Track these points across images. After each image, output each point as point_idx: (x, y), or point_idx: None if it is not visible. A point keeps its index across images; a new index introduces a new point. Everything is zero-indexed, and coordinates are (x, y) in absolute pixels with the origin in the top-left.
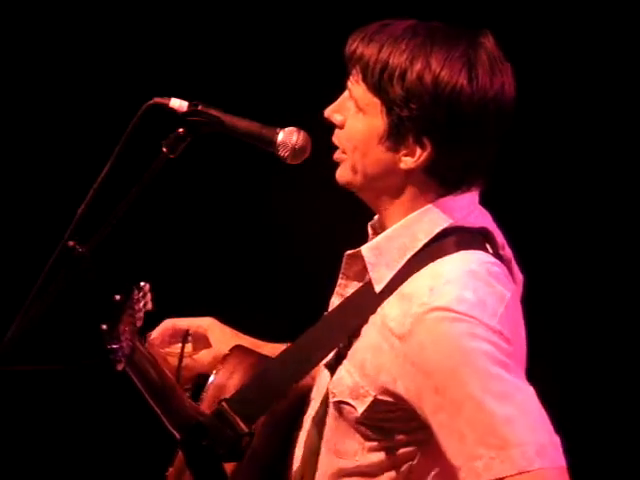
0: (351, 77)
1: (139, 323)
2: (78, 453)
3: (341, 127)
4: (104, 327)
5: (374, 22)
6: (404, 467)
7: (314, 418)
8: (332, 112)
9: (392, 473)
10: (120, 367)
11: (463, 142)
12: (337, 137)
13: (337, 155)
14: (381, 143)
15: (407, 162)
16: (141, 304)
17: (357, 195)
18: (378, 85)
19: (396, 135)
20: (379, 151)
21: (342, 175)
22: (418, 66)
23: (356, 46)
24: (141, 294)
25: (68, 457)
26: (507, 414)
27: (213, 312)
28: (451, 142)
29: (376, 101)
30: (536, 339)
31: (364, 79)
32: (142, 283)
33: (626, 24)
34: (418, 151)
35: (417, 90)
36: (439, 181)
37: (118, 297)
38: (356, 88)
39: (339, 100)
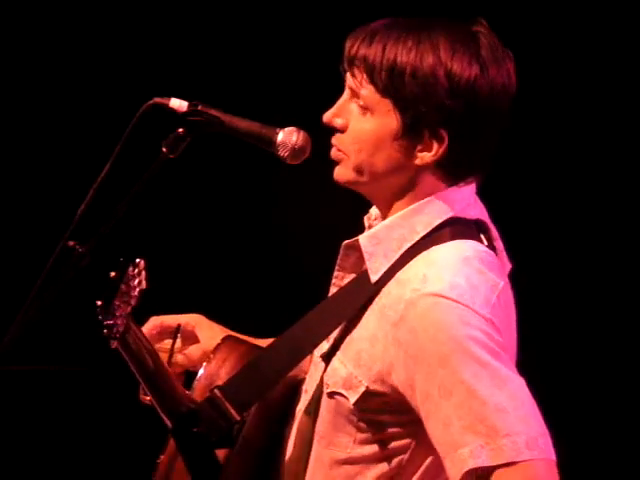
0: (353, 80)
1: (134, 302)
2: (78, 453)
3: (343, 130)
4: (99, 302)
5: (368, 23)
6: (396, 460)
7: (307, 409)
8: (333, 116)
9: (384, 465)
10: (114, 345)
11: (477, 133)
12: (339, 141)
13: (335, 153)
14: (395, 142)
15: (424, 157)
16: (136, 281)
17: (357, 191)
18: (389, 85)
19: (412, 132)
20: (392, 150)
21: (343, 174)
22: (429, 61)
23: (357, 48)
24: (136, 271)
25: (68, 457)
26: (498, 402)
27: (207, 310)
28: (466, 133)
29: (386, 101)
30: (527, 332)
31: (372, 81)
32: (137, 260)
33: (621, 19)
34: (435, 145)
35: (432, 85)
36: (448, 174)
37: (113, 274)
38: (362, 90)
39: (338, 104)
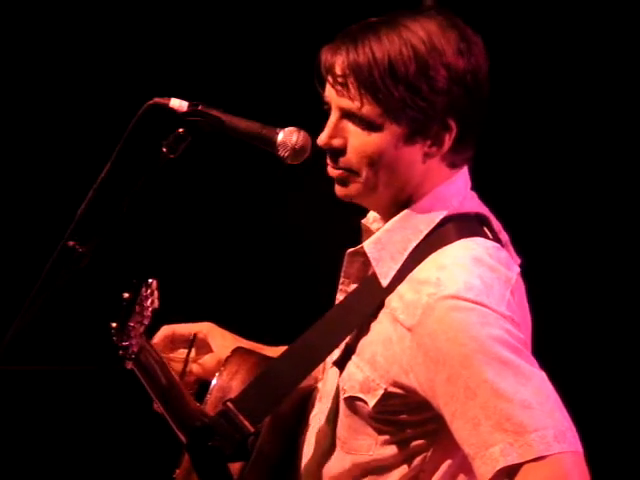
0: (346, 98)
1: (147, 322)
2: (81, 454)
3: (343, 150)
4: (114, 325)
5: (339, 34)
6: (417, 460)
7: (326, 416)
8: (329, 138)
9: (405, 466)
10: (129, 365)
11: (475, 114)
12: (341, 161)
13: (344, 175)
14: (404, 145)
15: (436, 151)
16: (149, 301)
17: (360, 204)
18: (391, 90)
19: (421, 130)
20: (402, 154)
21: (354, 191)
22: (424, 55)
23: (344, 61)
24: (149, 291)
25: (70, 458)
26: (524, 399)
27: (212, 315)
28: (469, 117)
29: (389, 109)
30: (535, 325)
31: (370, 92)
32: (150, 280)
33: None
34: (446, 136)
35: (433, 78)
36: (450, 162)
37: (127, 295)
38: (363, 109)
39: (331, 124)
